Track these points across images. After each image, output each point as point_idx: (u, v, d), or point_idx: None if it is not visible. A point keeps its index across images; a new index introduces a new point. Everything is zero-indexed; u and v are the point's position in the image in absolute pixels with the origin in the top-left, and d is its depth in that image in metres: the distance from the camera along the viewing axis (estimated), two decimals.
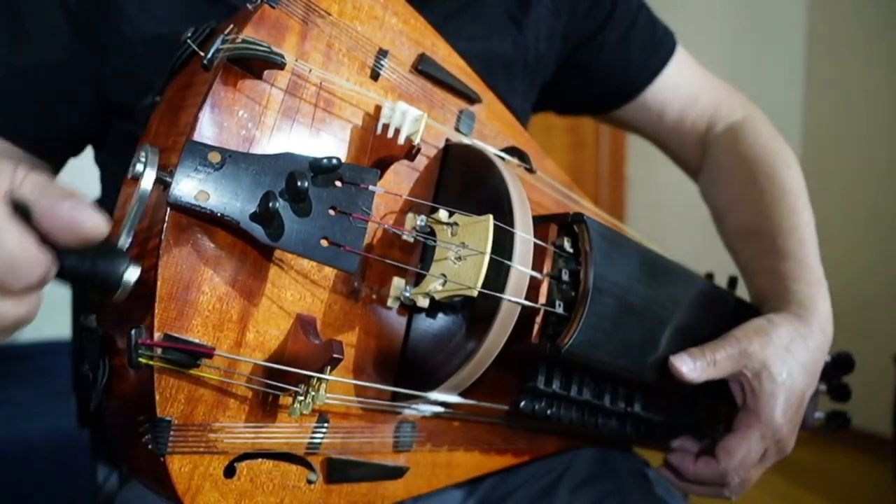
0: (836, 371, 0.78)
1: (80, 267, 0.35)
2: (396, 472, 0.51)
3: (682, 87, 0.83)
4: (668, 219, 3.01)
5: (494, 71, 0.69)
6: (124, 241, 0.37)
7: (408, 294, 0.48)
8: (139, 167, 0.37)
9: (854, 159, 2.52)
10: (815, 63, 2.70)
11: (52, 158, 0.65)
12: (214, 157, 0.38)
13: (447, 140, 0.53)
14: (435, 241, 0.47)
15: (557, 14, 0.75)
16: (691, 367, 0.57)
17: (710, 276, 0.78)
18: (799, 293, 0.64)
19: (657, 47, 0.81)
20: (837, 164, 2.52)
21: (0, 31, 0.58)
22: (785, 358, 0.59)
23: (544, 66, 0.77)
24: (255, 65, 0.41)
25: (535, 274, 0.48)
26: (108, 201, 0.68)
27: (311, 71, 0.45)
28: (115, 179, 0.66)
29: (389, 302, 0.49)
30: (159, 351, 0.38)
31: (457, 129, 0.54)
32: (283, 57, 0.41)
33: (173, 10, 0.57)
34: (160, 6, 0.57)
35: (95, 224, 0.33)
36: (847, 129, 2.57)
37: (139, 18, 0.57)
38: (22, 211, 0.33)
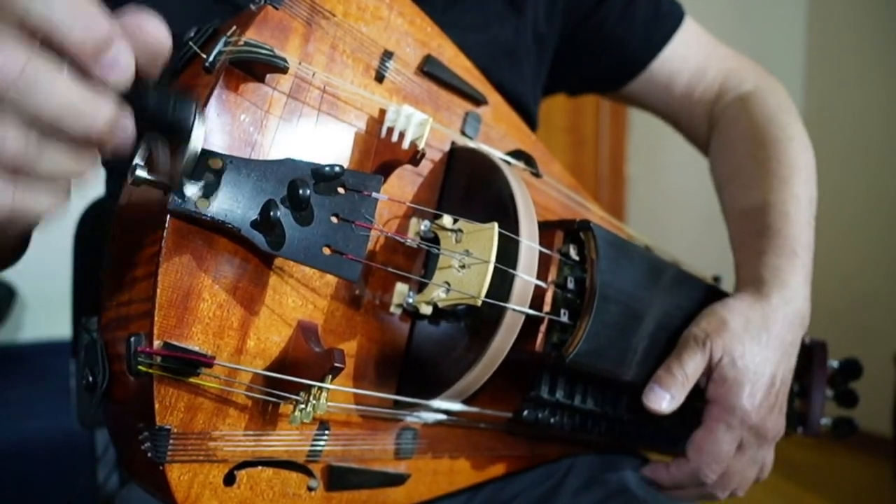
0: (843, 377, 0.77)
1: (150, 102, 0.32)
2: (398, 480, 0.51)
3: (690, 59, 0.81)
4: (668, 219, 2.99)
5: (499, 60, 0.68)
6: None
7: (411, 301, 0.48)
8: (139, 166, 0.36)
9: (852, 158, 2.51)
10: (815, 60, 2.68)
11: None
12: (215, 163, 0.37)
13: (453, 143, 0.53)
14: (439, 250, 0.46)
15: None
16: (669, 399, 0.54)
17: (717, 279, 0.77)
18: (763, 266, 0.61)
19: (662, 20, 0.80)
20: (836, 162, 2.50)
21: None
22: (743, 341, 0.56)
23: (547, 48, 0.75)
24: (257, 68, 0.41)
25: (539, 283, 0.47)
26: (112, 201, 0.67)
27: (314, 74, 0.44)
28: (119, 177, 0.65)
29: (392, 308, 0.49)
30: (158, 359, 0.37)
31: (462, 132, 0.54)
32: (285, 61, 0.40)
33: (176, 8, 0.56)
34: (162, 4, 0.57)
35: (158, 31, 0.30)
36: (845, 126, 2.55)
37: None
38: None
